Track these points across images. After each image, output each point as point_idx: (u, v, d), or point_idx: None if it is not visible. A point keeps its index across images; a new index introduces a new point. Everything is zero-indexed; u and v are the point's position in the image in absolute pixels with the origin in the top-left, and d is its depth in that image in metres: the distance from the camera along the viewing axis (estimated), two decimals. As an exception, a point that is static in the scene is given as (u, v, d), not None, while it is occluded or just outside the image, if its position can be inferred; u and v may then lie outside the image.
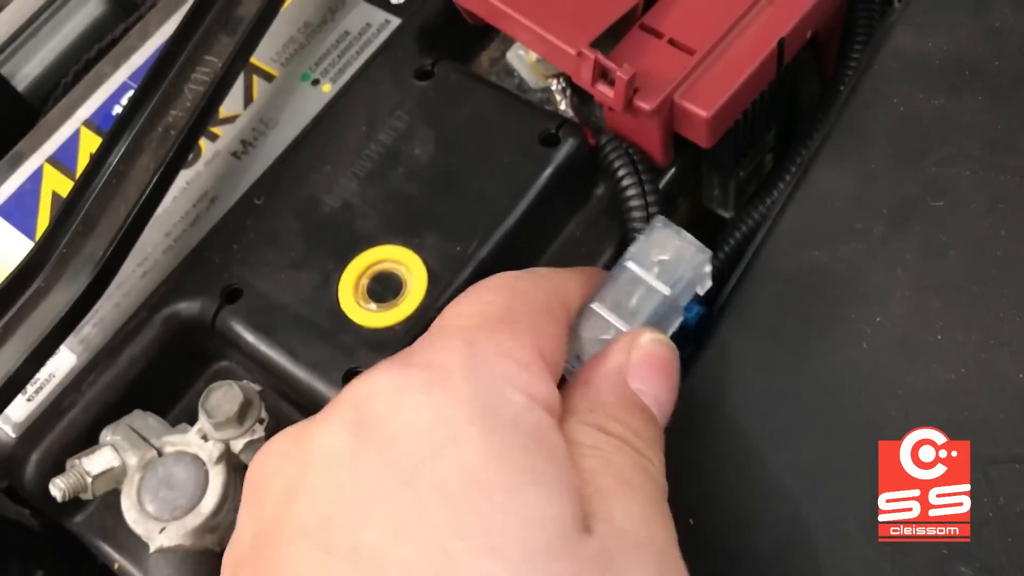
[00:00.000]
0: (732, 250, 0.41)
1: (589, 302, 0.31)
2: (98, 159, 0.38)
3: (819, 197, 0.35)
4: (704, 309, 0.35)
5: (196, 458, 0.35)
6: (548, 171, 0.38)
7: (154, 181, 0.37)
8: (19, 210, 0.43)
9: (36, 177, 0.44)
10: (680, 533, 0.27)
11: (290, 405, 0.38)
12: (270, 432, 0.36)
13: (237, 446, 0.35)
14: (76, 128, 0.44)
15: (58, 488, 0.35)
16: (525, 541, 0.23)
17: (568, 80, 0.41)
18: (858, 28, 0.41)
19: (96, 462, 0.35)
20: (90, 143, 0.44)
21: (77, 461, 0.36)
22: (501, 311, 0.29)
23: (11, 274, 0.36)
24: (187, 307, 0.39)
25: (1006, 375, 0.31)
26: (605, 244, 0.40)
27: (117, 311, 0.39)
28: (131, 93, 0.40)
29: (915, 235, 0.34)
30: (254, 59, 0.44)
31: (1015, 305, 0.31)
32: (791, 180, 0.37)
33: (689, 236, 0.32)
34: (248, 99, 0.44)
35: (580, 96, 0.41)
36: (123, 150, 0.38)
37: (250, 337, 0.37)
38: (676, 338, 0.32)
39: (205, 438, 0.35)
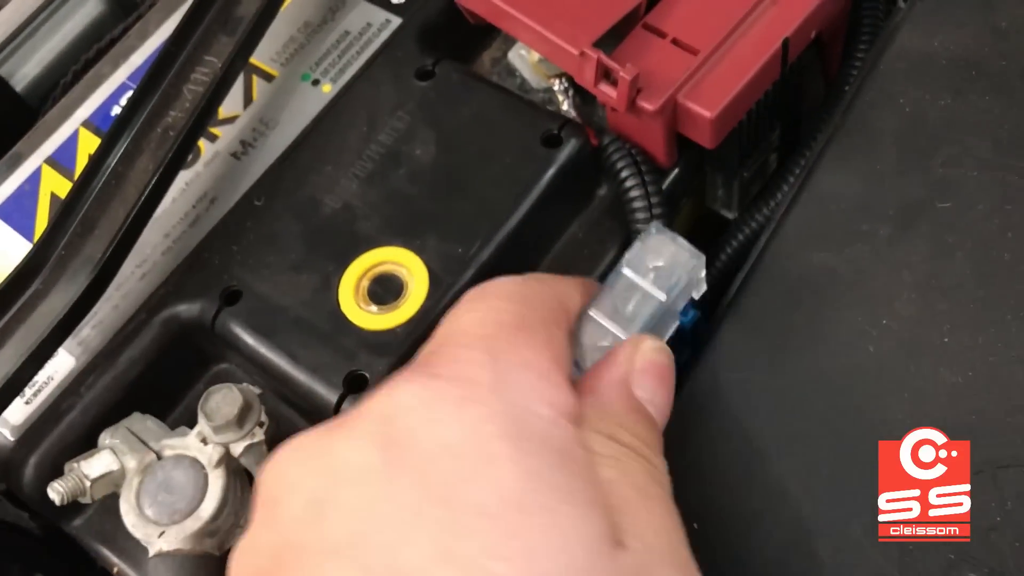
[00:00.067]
0: (736, 251, 0.41)
1: (587, 309, 0.31)
2: (97, 160, 0.38)
3: (824, 198, 0.35)
4: (699, 313, 0.35)
5: (195, 461, 0.35)
6: (550, 172, 0.38)
7: (153, 182, 0.37)
8: (17, 211, 0.43)
9: (34, 178, 0.43)
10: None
11: (290, 408, 0.38)
12: (270, 435, 0.36)
13: (237, 449, 0.35)
14: (75, 129, 0.44)
15: (56, 492, 0.35)
16: (566, 561, 0.23)
17: (570, 80, 0.41)
18: (863, 28, 0.41)
19: (95, 465, 0.35)
20: (89, 144, 0.44)
21: (76, 464, 0.35)
22: (515, 319, 0.28)
23: (9, 276, 0.36)
24: (186, 309, 0.38)
25: (1014, 378, 0.30)
26: (608, 245, 0.39)
27: (116, 313, 0.39)
28: (130, 93, 0.40)
29: (921, 236, 0.33)
30: (254, 59, 0.44)
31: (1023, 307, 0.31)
32: (796, 181, 0.37)
33: (684, 241, 0.32)
34: (248, 99, 0.44)
35: (582, 96, 0.41)
36: (122, 151, 0.38)
37: (250, 339, 0.37)
38: (672, 342, 0.32)
39: (204, 441, 0.35)
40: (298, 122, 0.42)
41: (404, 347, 0.35)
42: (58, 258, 0.36)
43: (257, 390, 0.36)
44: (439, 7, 0.44)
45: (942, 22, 0.37)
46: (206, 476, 0.35)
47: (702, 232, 0.43)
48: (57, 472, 0.36)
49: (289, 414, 0.38)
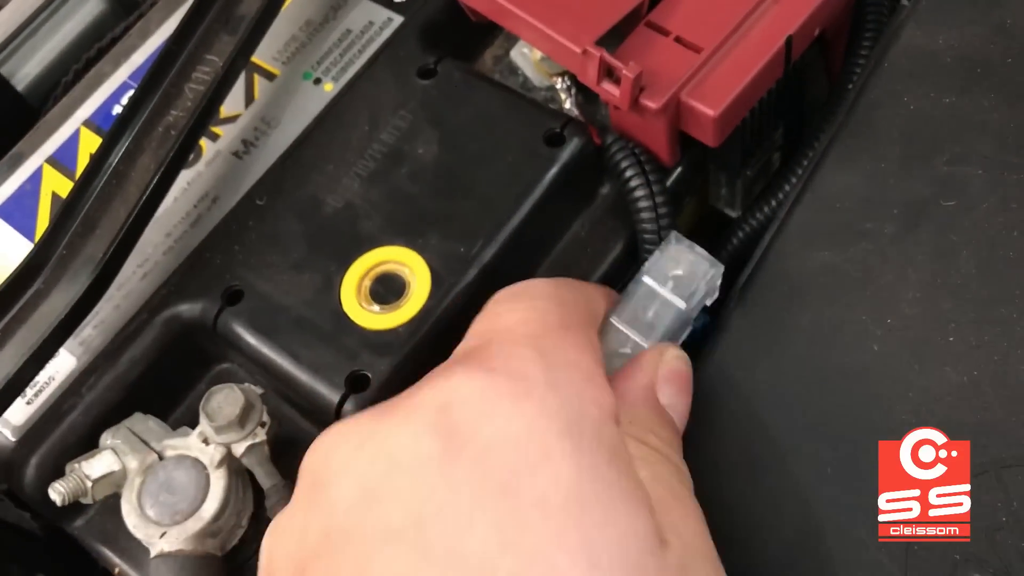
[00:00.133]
0: (739, 250, 0.41)
1: (608, 316, 0.32)
2: (98, 159, 0.38)
3: (828, 197, 0.35)
4: (709, 318, 0.35)
5: (197, 462, 0.35)
6: (553, 171, 0.38)
7: (155, 181, 0.37)
8: (18, 211, 0.43)
9: (36, 178, 0.43)
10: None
11: (292, 408, 0.38)
12: (272, 436, 0.35)
13: (239, 450, 0.35)
14: (76, 128, 0.44)
15: (57, 492, 0.35)
16: (622, 556, 0.24)
17: (573, 78, 0.41)
18: (867, 25, 0.41)
19: (96, 466, 0.35)
20: (90, 143, 0.44)
21: (77, 465, 0.35)
22: (559, 320, 0.29)
23: (10, 276, 0.36)
24: (188, 309, 0.38)
25: (1020, 377, 0.30)
26: (611, 244, 0.39)
27: (117, 313, 0.39)
28: (131, 93, 0.40)
29: (926, 235, 0.33)
30: (255, 58, 0.44)
31: (1028, 306, 0.31)
32: (799, 180, 0.37)
33: (702, 250, 0.34)
34: (249, 98, 0.43)
35: (585, 95, 0.41)
36: (123, 150, 0.38)
37: (252, 339, 0.37)
38: (684, 346, 0.33)
39: (206, 441, 0.35)
40: (300, 121, 0.42)
41: (406, 347, 0.35)
42: (59, 258, 0.36)
43: (259, 390, 0.36)
44: (441, 5, 0.43)
45: (946, 20, 0.37)
46: (208, 476, 0.35)
47: (705, 231, 0.43)
48: (58, 472, 0.36)
49: (291, 414, 0.38)
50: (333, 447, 0.27)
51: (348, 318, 0.36)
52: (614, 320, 0.32)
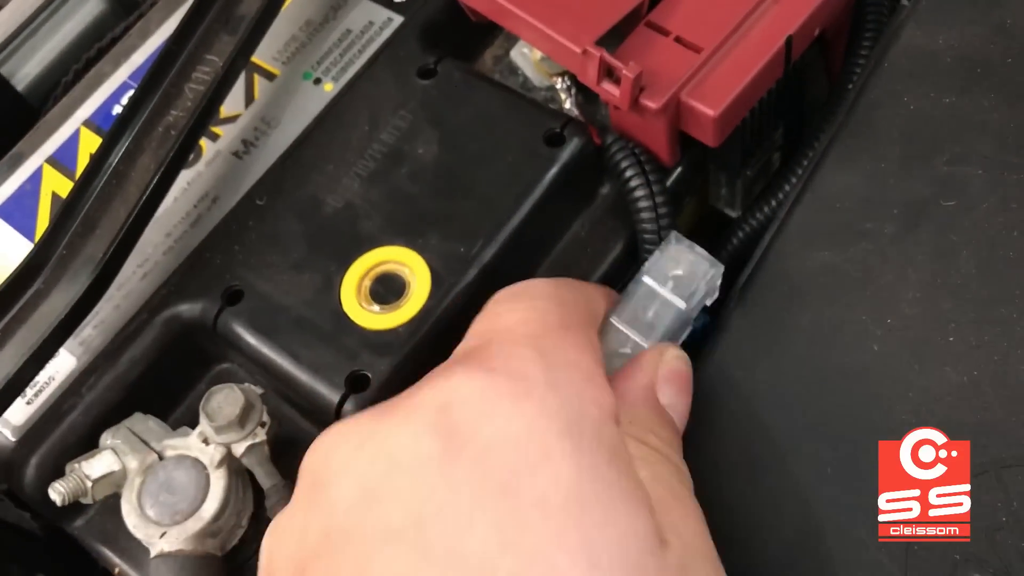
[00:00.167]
0: (739, 250, 0.41)
1: (608, 315, 0.32)
2: (98, 159, 0.38)
3: (828, 197, 0.35)
4: (709, 318, 0.35)
5: (197, 462, 0.35)
6: (553, 171, 0.38)
7: (155, 181, 0.37)
8: (18, 211, 0.43)
9: (36, 178, 0.43)
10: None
11: (292, 408, 0.38)
12: (272, 436, 0.35)
13: (238, 450, 0.35)
14: (76, 128, 0.44)
15: (57, 492, 0.35)
16: (622, 555, 0.24)
17: (573, 78, 0.41)
18: (867, 25, 0.41)
19: (96, 466, 0.35)
20: (90, 143, 0.44)
21: (77, 465, 0.35)
22: (558, 319, 0.29)
23: (10, 276, 0.36)
24: (188, 309, 0.38)
25: (1020, 378, 0.30)
26: (611, 244, 0.39)
27: (117, 313, 0.39)
28: (131, 92, 0.40)
29: (926, 235, 0.33)
30: (255, 58, 0.44)
31: (1028, 306, 0.31)
32: (799, 180, 0.37)
33: (702, 251, 0.34)
34: (249, 98, 0.43)
35: (585, 95, 0.41)
36: (123, 150, 0.38)
37: (251, 339, 0.37)
38: (684, 346, 0.33)
39: (206, 441, 0.35)
40: (300, 121, 0.42)
41: (406, 347, 0.35)
42: (59, 258, 0.36)
43: (259, 390, 0.36)
44: (441, 5, 0.43)
45: (946, 19, 0.36)
46: (208, 476, 0.35)
47: (705, 231, 0.43)
48: (58, 472, 0.36)
49: (291, 414, 0.38)
50: (333, 447, 0.27)
51: (348, 318, 0.36)
52: (614, 320, 0.32)
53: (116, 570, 0.37)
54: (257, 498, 0.36)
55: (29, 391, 0.37)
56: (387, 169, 0.39)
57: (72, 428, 0.37)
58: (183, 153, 0.38)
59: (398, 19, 0.44)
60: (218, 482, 0.35)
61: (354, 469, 0.26)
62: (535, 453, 0.25)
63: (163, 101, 0.39)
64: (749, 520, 0.31)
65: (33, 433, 0.37)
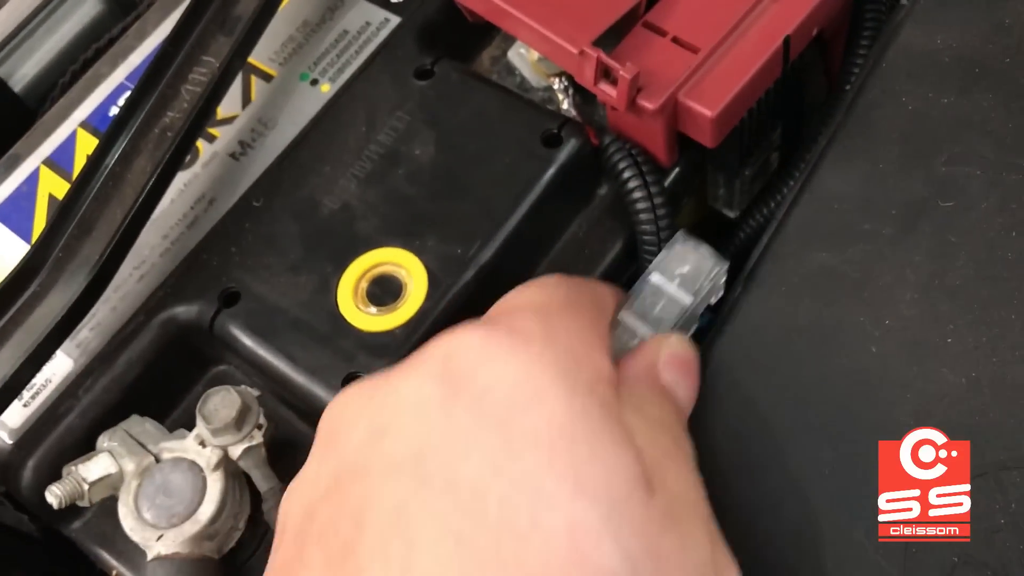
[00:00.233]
0: (737, 251, 0.41)
1: (616, 312, 0.33)
2: (95, 161, 0.38)
3: (826, 197, 0.35)
4: (713, 316, 0.35)
5: (194, 464, 0.35)
6: (550, 172, 0.38)
7: (151, 183, 0.37)
8: (15, 213, 0.43)
9: (32, 179, 0.43)
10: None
11: (289, 410, 0.38)
12: (268, 438, 0.35)
13: (235, 452, 0.35)
14: (73, 129, 0.44)
15: (54, 495, 0.35)
16: (608, 488, 0.25)
17: (570, 79, 0.41)
18: (865, 25, 0.41)
19: (93, 469, 0.35)
20: (87, 145, 0.44)
21: (74, 468, 0.35)
22: (565, 301, 0.31)
23: (7, 278, 0.36)
24: (185, 311, 0.38)
25: (1018, 379, 0.30)
26: (609, 244, 0.39)
27: (114, 315, 0.39)
28: (128, 94, 0.40)
29: (924, 236, 0.33)
30: (252, 59, 0.44)
31: (1027, 307, 0.31)
32: (797, 180, 0.37)
33: (708, 248, 0.34)
34: (246, 100, 0.43)
35: (582, 95, 0.41)
36: (120, 152, 0.38)
37: (248, 341, 0.37)
38: None
39: (203, 444, 0.35)
40: (297, 122, 0.42)
41: (403, 349, 0.35)
42: (56, 260, 0.36)
43: (256, 392, 0.36)
44: (438, 6, 0.43)
45: (945, 19, 0.36)
46: (204, 479, 0.35)
47: (704, 232, 0.43)
48: (55, 475, 0.36)
49: (288, 416, 0.38)
50: (346, 403, 0.29)
51: (345, 320, 0.36)
52: (621, 316, 0.33)
53: (113, 572, 0.37)
54: (254, 501, 0.36)
55: (26, 393, 0.37)
56: (384, 170, 0.39)
57: (69, 430, 0.37)
58: (180, 155, 0.38)
59: (395, 20, 0.44)
60: (215, 485, 0.35)
61: (362, 416, 0.28)
62: (529, 394, 0.26)
63: (160, 102, 0.39)
64: (748, 520, 0.31)
65: (30, 436, 0.37)
